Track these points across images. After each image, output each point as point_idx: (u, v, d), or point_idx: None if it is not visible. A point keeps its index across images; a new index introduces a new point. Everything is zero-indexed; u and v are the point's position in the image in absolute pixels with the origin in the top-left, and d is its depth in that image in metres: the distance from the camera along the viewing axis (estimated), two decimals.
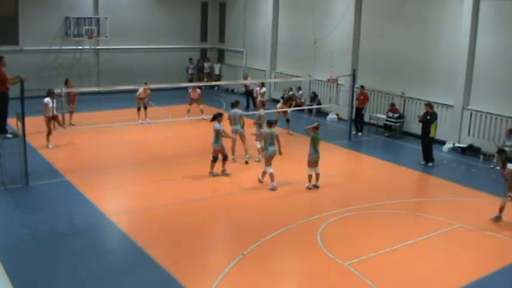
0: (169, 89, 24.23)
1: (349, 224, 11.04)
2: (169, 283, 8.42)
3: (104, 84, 24.84)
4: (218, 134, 13.42)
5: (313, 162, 13.00)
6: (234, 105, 15.23)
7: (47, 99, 15.59)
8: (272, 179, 12.80)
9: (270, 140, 12.90)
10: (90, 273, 8.69)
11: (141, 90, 19.02)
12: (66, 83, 18.16)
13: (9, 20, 23.43)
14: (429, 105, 15.74)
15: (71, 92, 17.80)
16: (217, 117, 13.50)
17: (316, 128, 13.06)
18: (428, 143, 15.53)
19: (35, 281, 8.38)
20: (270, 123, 13.15)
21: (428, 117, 15.37)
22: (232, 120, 14.94)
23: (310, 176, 13.01)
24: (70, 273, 8.68)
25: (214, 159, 13.62)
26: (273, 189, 12.78)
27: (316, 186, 13.10)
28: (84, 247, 9.63)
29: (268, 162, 12.87)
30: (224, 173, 13.75)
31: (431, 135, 15.39)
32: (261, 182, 13.22)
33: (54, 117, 15.68)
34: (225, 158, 13.75)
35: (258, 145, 14.91)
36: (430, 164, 15.49)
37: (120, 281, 8.51)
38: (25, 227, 10.31)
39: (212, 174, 13.68)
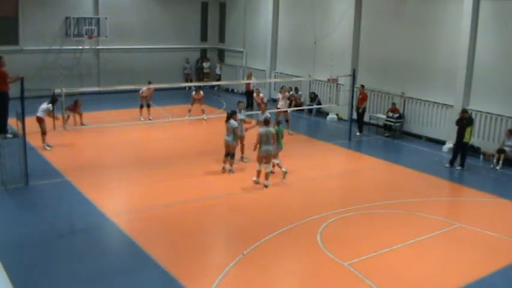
0: (170, 89, 24.27)
1: (349, 224, 11.04)
2: (169, 283, 8.42)
3: (104, 84, 24.71)
4: (234, 132, 13.86)
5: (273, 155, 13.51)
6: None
7: (52, 107, 15.44)
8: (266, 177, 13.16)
9: (265, 140, 12.96)
10: (90, 273, 8.69)
11: (144, 88, 19.05)
12: (76, 103, 17.98)
13: (9, 20, 23.40)
14: (465, 111, 15.66)
15: (77, 105, 17.97)
16: (232, 116, 13.95)
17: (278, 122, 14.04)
18: (462, 148, 15.39)
19: (35, 281, 8.39)
20: (267, 122, 13.28)
21: (465, 122, 15.22)
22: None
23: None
24: (70, 273, 8.68)
25: (228, 155, 14.04)
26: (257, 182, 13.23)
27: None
28: (84, 247, 9.64)
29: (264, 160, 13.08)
30: (230, 171, 14.13)
31: (465, 140, 15.26)
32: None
33: (42, 120, 15.57)
34: (232, 156, 14.10)
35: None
36: (458, 168, 15.36)
37: (120, 281, 8.52)
38: (25, 227, 10.31)
39: (226, 169, 14.09)
